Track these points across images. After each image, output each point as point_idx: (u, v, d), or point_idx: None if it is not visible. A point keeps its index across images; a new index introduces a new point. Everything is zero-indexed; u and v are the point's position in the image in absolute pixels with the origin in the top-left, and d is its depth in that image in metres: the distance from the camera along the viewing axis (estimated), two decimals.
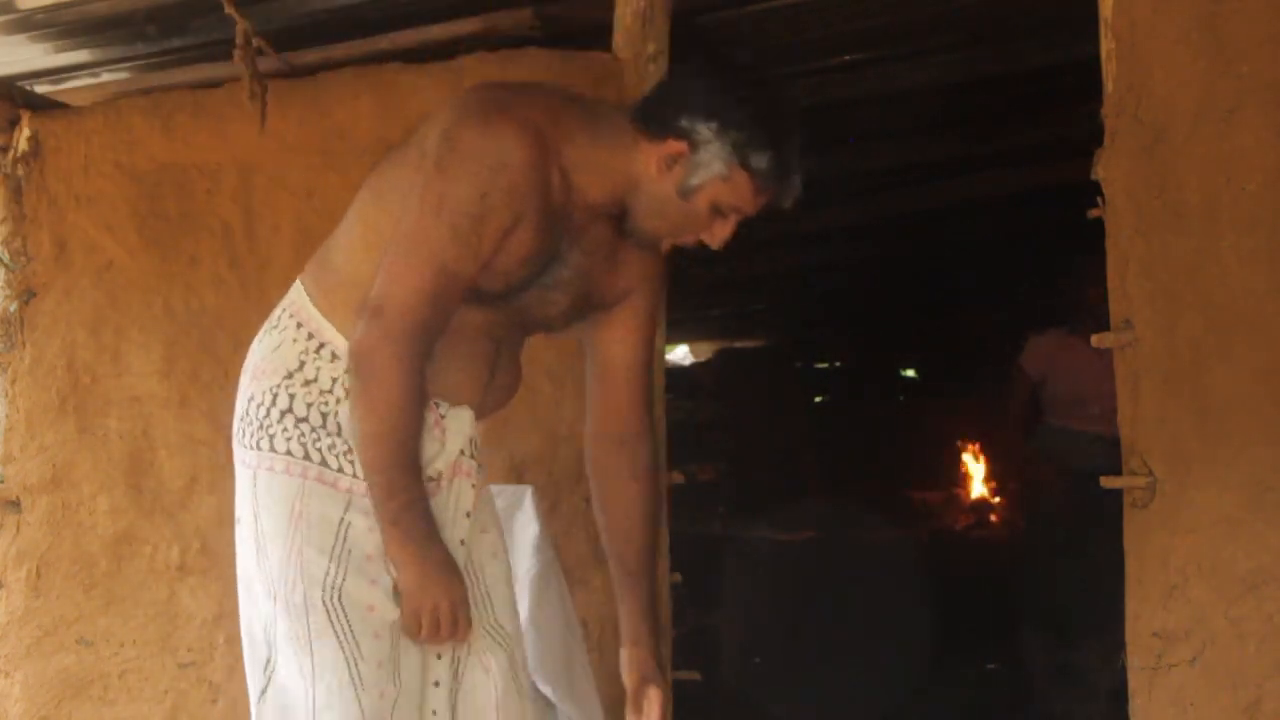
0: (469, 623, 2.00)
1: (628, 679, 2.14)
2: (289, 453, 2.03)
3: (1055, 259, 4.76)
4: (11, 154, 3.37)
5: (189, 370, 3.22)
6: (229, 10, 2.94)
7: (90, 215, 3.32)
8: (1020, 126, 5.08)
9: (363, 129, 3.16)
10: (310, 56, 3.28)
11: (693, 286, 6.42)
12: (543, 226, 1.98)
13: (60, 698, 3.22)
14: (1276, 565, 2.42)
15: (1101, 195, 2.61)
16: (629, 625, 2.19)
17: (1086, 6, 2.67)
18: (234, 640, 3.11)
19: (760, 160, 1.98)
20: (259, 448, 2.07)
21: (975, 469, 7.90)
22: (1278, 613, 2.42)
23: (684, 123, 1.97)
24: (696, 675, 3.07)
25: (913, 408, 9.08)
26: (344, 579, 1.98)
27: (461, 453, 2.06)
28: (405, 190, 1.97)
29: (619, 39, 3.04)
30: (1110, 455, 3.73)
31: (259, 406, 2.06)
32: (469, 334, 2.04)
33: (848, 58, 4.10)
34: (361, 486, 1.98)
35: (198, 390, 3.21)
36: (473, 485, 2.07)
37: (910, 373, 9.70)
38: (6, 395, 3.35)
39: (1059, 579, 4.14)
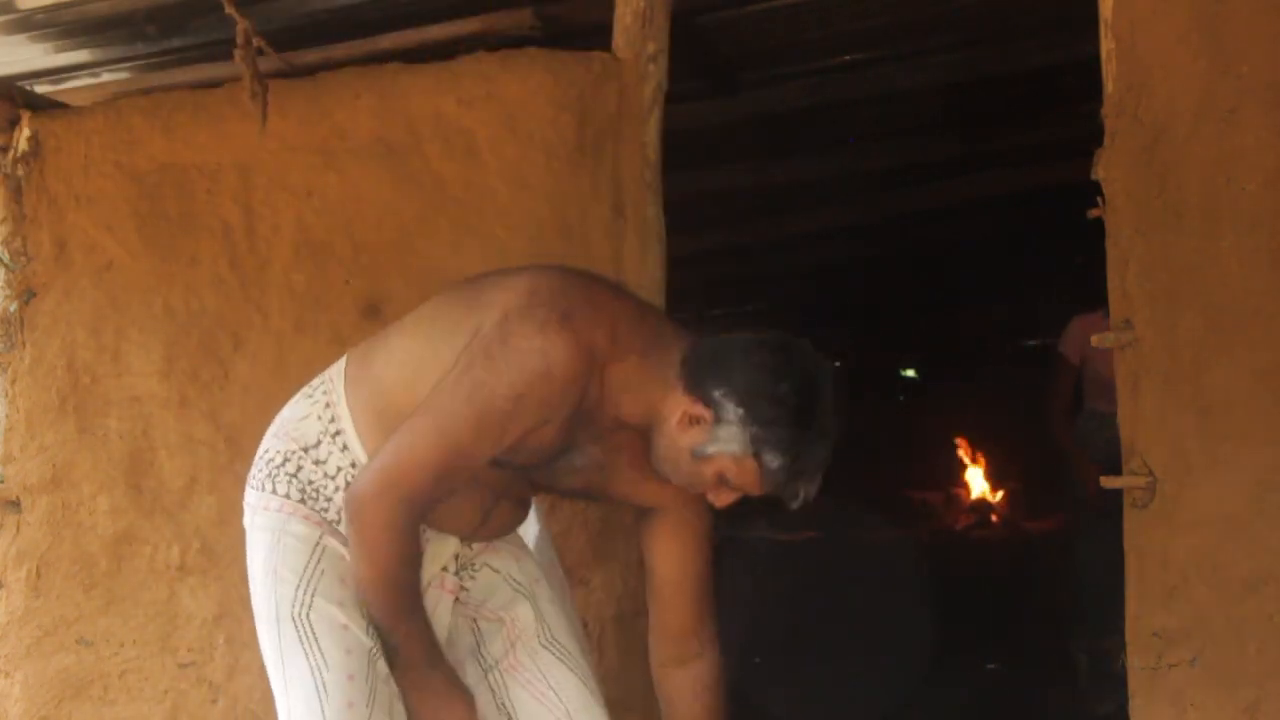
0: None
1: None
2: (286, 495, 2.13)
3: (1074, 246, 4.69)
4: (11, 154, 3.37)
5: (189, 370, 3.22)
6: (229, 10, 2.94)
7: (90, 215, 3.32)
8: (1020, 126, 5.08)
9: (363, 129, 3.16)
10: (310, 56, 3.28)
11: (693, 286, 6.43)
12: (566, 428, 2.02)
13: (60, 698, 3.22)
14: (1276, 565, 2.42)
15: (1101, 195, 2.61)
16: None
17: (1086, 6, 2.67)
18: (234, 640, 3.12)
19: (773, 461, 1.98)
20: (261, 489, 2.16)
21: (975, 469, 7.90)
22: (1278, 613, 2.42)
23: (716, 394, 1.98)
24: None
25: (913, 408, 9.09)
26: (314, 596, 2.05)
27: (444, 569, 2.16)
28: (456, 350, 2.00)
29: (619, 39, 3.04)
30: None
31: (269, 461, 2.16)
32: (472, 485, 2.09)
33: (848, 58, 4.10)
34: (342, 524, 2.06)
35: (198, 390, 3.21)
36: (455, 599, 2.16)
37: (910, 373, 9.71)
38: (6, 395, 3.34)
39: (1103, 574, 4.06)
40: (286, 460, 2.14)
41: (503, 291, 2.05)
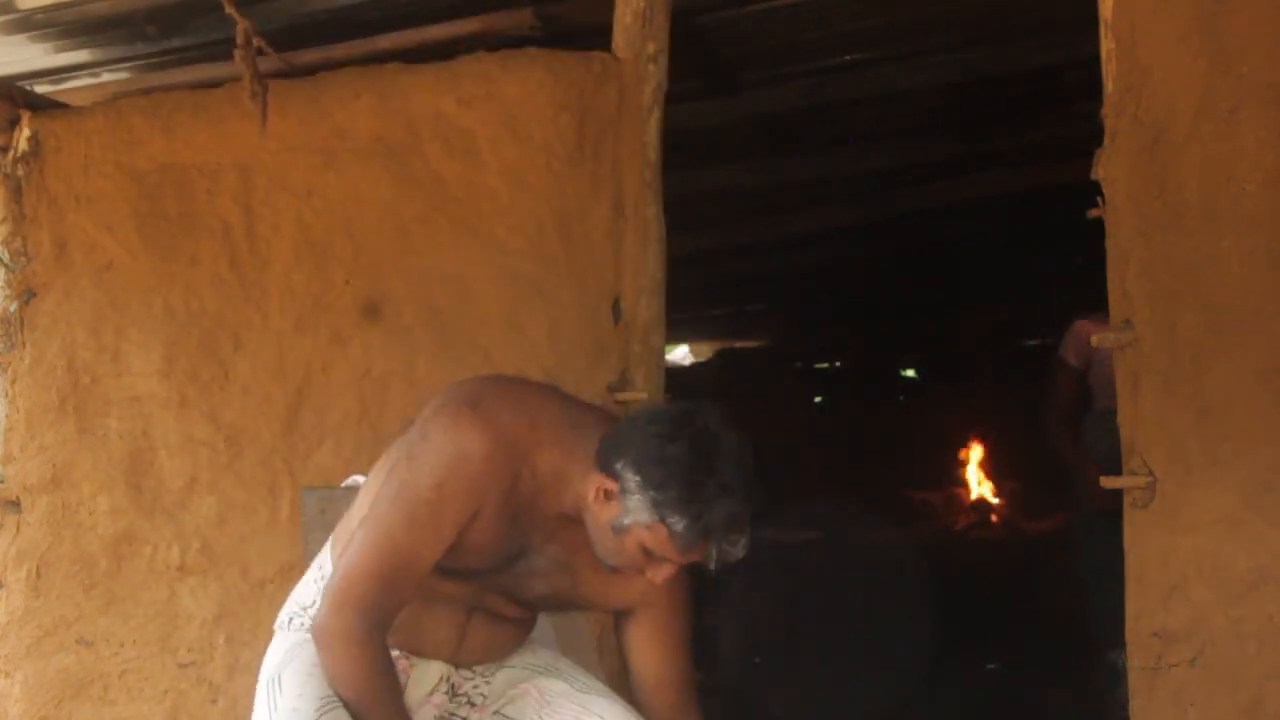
0: None
1: None
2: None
3: (1074, 246, 4.57)
4: (11, 154, 3.37)
5: (189, 370, 3.22)
6: (229, 10, 2.94)
7: (90, 215, 3.32)
8: (1020, 126, 5.08)
9: (363, 129, 3.16)
10: (310, 56, 3.28)
11: (693, 286, 6.43)
12: (504, 519, 2.06)
13: (60, 698, 3.22)
14: (1276, 565, 2.42)
15: (1101, 195, 2.61)
16: None
17: (1086, 6, 2.68)
18: (234, 640, 3.12)
19: (678, 523, 1.98)
20: (282, 628, 2.25)
21: (975, 469, 7.90)
22: (1278, 613, 2.42)
23: (618, 466, 2.01)
24: (696, 675, 3.06)
25: (913, 408, 9.09)
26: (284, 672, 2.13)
27: (433, 691, 2.17)
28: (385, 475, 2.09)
29: (619, 39, 3.04)
30: None
31: (289, 616, 2.24)
32: (439, 599, 2.14)
33: (848, 58, 4.10)
34: None
35: (198, 390, 3.21)
36: (433, 715, 2.17)
37: (910, 373, 9.71)
38: (6, 395, 3.34)
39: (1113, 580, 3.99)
40: (292, 620, 2.22)
41: (426, 409, 2.12)
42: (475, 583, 2.14)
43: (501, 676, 2.25)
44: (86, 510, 3.25)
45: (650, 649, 2.24)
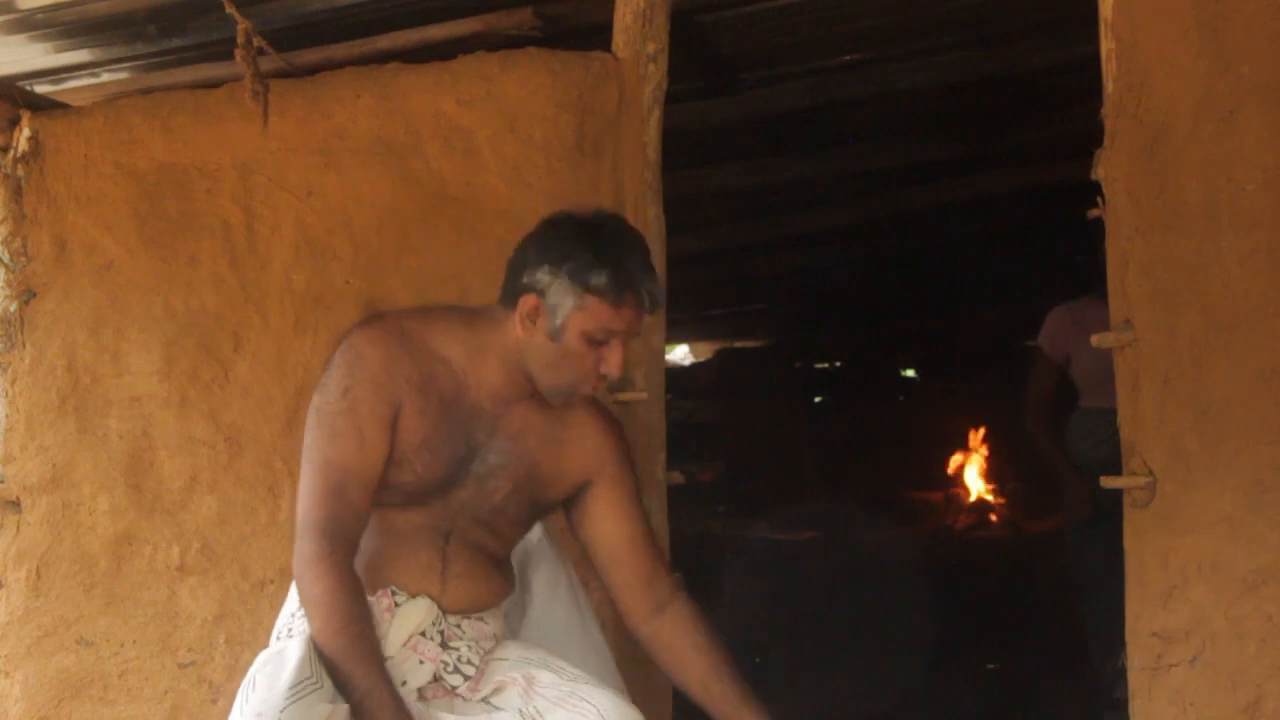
0: None
1: None
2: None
3: (1074, 246, 4.49)
4: (11, 154, 3.37)
5: (189, 370, 3.22)
6: (229, 10, 2.94)
7: (90, 215, 3.32)
8: (1020, 126, 5.08)
9: (363, 129, 3.16)
10: (310, 56, 3.28)
11: (693, 286, 6.43)
12: (433, 415, 2.16)
13: (60, 698, 3.22)
14: (1276, 565, 2.42)
15: (1101, 195, 2.61)
16: None
17: (1086, 6, 2.67)
18: (234, 640, 3.12)
19: (599, 279, 2.12)
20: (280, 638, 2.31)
21: (975, 469, 7.90)
22: (1278, 613, 2.42)
23: (526, 279, 2.16)
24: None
25: (913, 408, 9.09)
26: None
27: (423, 635, 2.19)
28: None
29: (619, 39, 3.04)
30: None
31: (279, 628, 2.32)
32: (412, 529, 2.21)
33: (848, 58, 4.10)
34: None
35: (198, 390, 3.21)
36: (420, 662, 2.18)
37: (910, 373, 9.71)
38: (6, 395, 3.34)
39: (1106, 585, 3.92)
40: (279, 635, 2.30)
41: None
42: (442, 504, 2.21)
43: (493, 667, 2.26)
44: (86, 510, 3.25)
45: (613, 514, 2.33)
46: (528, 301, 2.15)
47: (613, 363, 2.18)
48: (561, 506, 2.38)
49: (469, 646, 2.24)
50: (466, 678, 2.22)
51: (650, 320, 2.98)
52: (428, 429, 2.16)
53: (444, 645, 2.22)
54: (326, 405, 2.15)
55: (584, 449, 2.32)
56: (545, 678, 2.22)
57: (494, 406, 2.23)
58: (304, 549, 2.12)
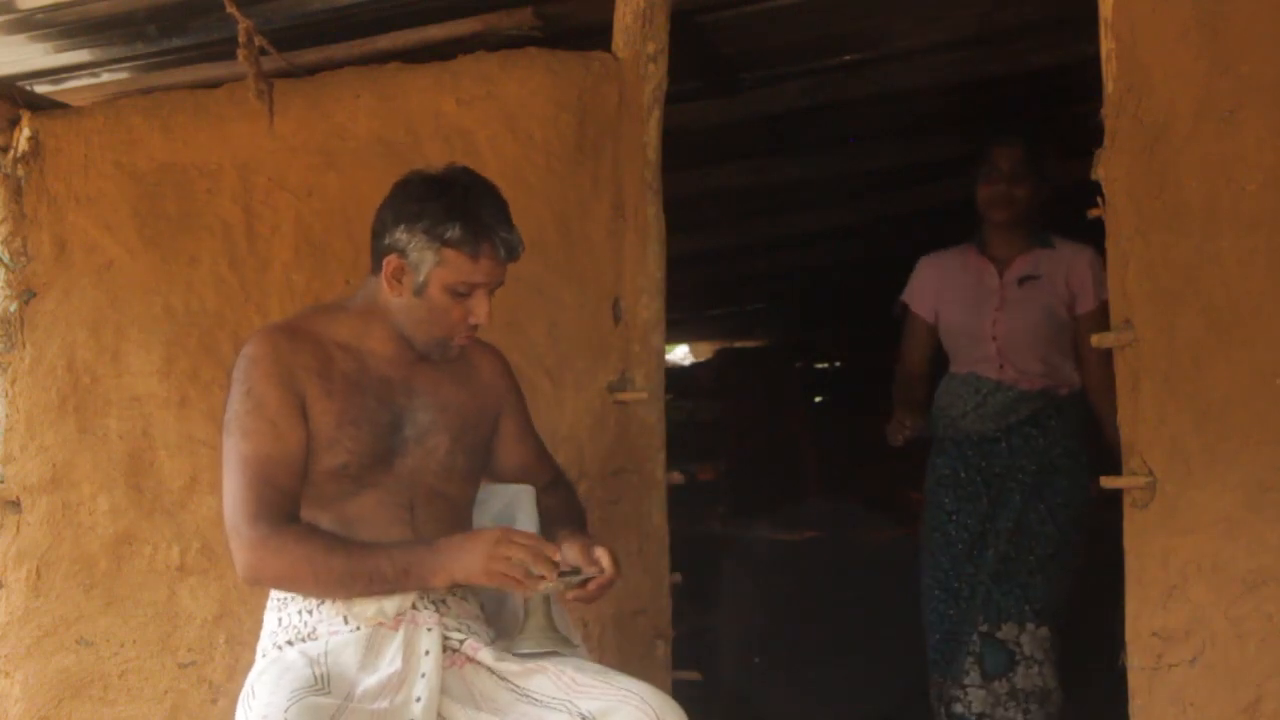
0: (523, 534, 2.19)
1: (575, 549, 2.28)
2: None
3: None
4: (11, 154, 3.37)
5: (189, 370, 3.22)
6: (230, 10, 2.94)
7: (90, 215, 3.32)
8: (1020, 126, 5.07)
9: (363, 129, 3.16)
10: (310, 56, 3.28)
11: (693, 286, 6.43)
12: (340, 393, 2.24)
13: (60, 698, 3.22)
14: (1276, 565, 2.42)
15: (1101, 195, 2.61)
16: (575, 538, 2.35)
17: (1086, 6, 2.67)
18: (234, 640, 3.12)
19: (454, 232, 2.20)
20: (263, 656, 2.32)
21: None
22: (1278, 613, 2.42)
23: (387, 241, 2.25)
24: (697, 675, 3.07)
25: None
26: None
27: (414, 607, 2.21)
28: None
29: (619, 39, 3.04)
30: (1041, 411, 3.42)
31: (264, 645, 2.32)
32: (373, 511, 2.25)
33: (848, 58, 4.10)
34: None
35: (198, 390, 3.21)
36: (428, 629, 2.19)
37: None
38: (6, 395, 3.34)
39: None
40: (265, 653, 2.29)
41: None
42: (393, 479, 2.26)
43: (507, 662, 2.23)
44: (86, 510, 3.25)
45: (518, 436, 2.50)
46: (390, 263, 2.24)
47: (480, 313, 2.27)
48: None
49: (456, 620, 2.25)
50: (463, 640, 2.22)
51: (649, 319, 2.99)
52: (340, 406, 2.23)
53: (438, 614, 2.23)
54: (233, 413, 2.24)
55: (489, 384, 2.45)
56: (569, 667, 2.19)
57: (399, 370, 2.31)
58: (246, 541, 2.15)
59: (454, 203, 2.21)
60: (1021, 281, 3.61)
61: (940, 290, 3.72)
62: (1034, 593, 3.50)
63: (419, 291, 2.24)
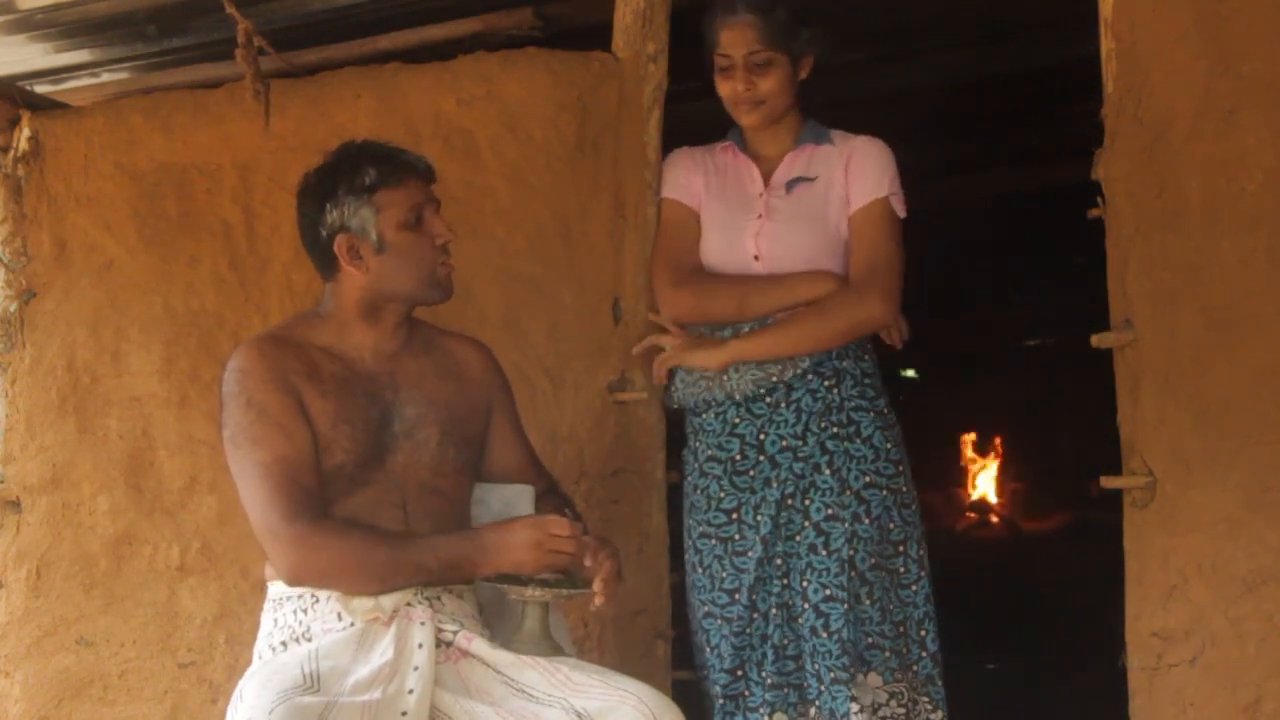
0: (549, 522, 2.21)
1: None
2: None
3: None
4: (11, 154, 3.38)
5: (189, 370, 3.22)
6: (229, 10, 2.94)
7: (90, 215, 3.32)
8: (1021, 126, 5.07)
9: (363, 129, 3.14)
10: (310, 56, 3.28)
11: None
12: (332, 391, 2.26)
13: (60, 698, 3.22)
14: (1276, 565, 2.42)
15: (1101, 195, 2.61)
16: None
17: (1086, 6, 2.67)
18: (234, 640, 3.12)
19: (370, 178, 2.29)
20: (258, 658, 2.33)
21: (975, 469, 7.91)
22: (1278, 613, 2.42)
23: (324, 233, 2.31)
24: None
25: (913, 408, 9.07)
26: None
27: (409, 603, 2.21)
28: None
29: (619, 39, 3.04)
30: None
31: (260, 649, 2.32)
32: (368, 509, 2.26)
33: (848, 58, 4.09)
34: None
35: (198, 390, 3.21)
36: (421, 623, 2.19)
37: (910, 373, 9.70)
38: (6, 395, 3.34)
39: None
40: (261, 655, 2.31)
41: None
42: (384, 475, 2.27)
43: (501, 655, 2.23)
44: (86, 510, 3.25)
45: (510, 437, 2.49)
46: (341, 243, 2.28)
47: (440, 229, 2.33)
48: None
49: (450, 616, 2.25)
50: (456, 632, 2.22)
51: (649, 320, 2.99)
52: (334, 406, 2.25)
53: (432, 610, 2.23)
54: (236, 427, 2.24)
55: (477, 378, 2.46)
56: (564, 666, 2.19)
57: (383, 365, 2.34)
58: (287, 541, 2.16)
59: (351, 159, 2.31)
60: (790, 186, 2.79)
61: (703, 190, 2.87)
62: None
63: (380, 248, 2.28)
